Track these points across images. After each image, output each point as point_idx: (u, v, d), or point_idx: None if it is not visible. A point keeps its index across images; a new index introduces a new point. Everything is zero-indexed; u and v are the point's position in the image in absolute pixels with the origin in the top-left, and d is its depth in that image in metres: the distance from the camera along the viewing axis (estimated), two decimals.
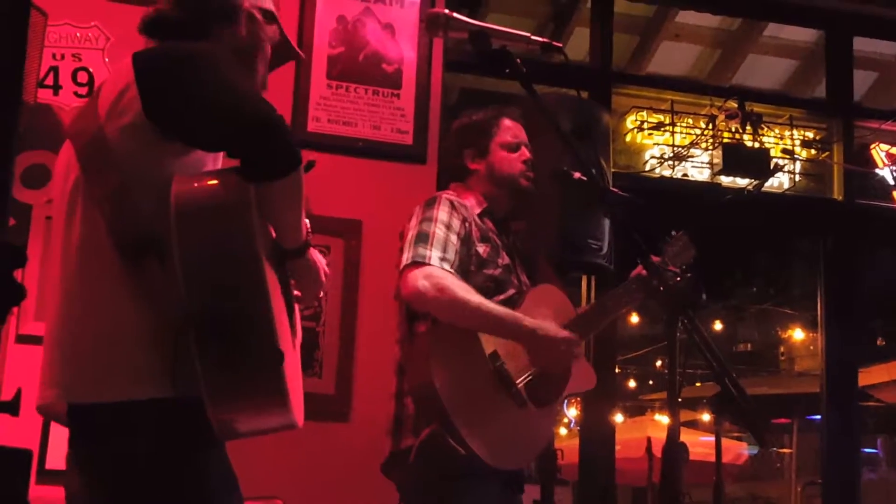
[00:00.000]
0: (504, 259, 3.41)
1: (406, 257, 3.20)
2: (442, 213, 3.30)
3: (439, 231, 3.24)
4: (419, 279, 3.14)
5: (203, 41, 2.34)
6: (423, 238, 3.22)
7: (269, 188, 2.13)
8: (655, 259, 3.14)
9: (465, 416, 3.08)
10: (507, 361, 3.23)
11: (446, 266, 3.17)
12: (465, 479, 3.13)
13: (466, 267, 3.28)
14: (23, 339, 4.08)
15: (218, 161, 2.30)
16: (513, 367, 3.24)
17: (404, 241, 3.28)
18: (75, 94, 4.39)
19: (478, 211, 3.45)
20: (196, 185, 2.10)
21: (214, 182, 2.10)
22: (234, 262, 2.04)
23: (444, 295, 3.13)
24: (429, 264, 3.15)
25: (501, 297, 3.32)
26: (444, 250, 3.20)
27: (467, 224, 3.33)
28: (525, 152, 3.52)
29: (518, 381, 3.24)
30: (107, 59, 4.43)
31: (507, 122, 3.54)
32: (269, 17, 2.51)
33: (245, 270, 2.03)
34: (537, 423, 3.33)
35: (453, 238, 3.25)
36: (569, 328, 3.35)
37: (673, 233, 3.76)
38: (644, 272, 3.46)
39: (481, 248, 3.34)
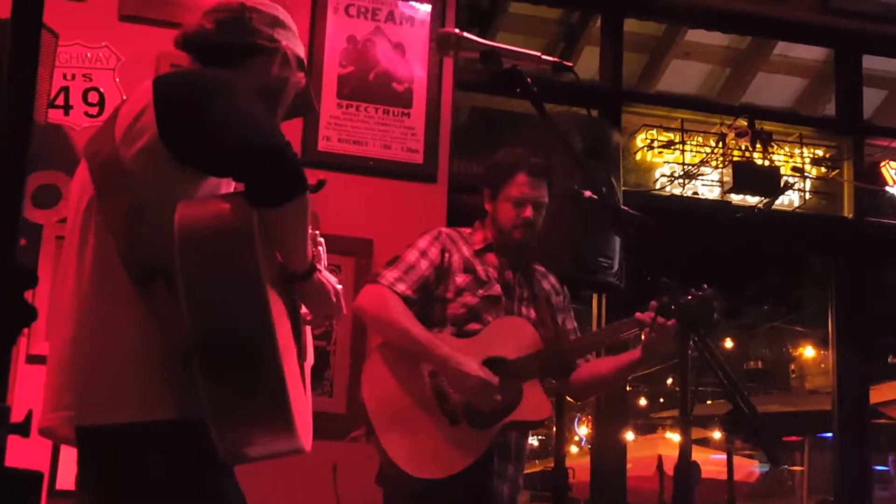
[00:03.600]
0: (488, 291, 3.52)
1: (371, 274, 3.54)
2: (423, 241, 3.56)
3: (411, 256, 3.50)
4: (364, 294, 3.46)
5: (233, 69, 2.35)
6: (394, 260, 3.50)
7: (274, 213, 2.13)
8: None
9: (386, 425, 3.33)
10: None
11: (401, 286, 3.42)
12: (425, 499, 3.32)
13: (443, 294, 3.50)
14: (33, 360, 4.08)
15: (231, 187, 2.30)
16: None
17: None
18: (86, 114, 4.40)
19: (479, 246, 3.61)
20: (200, 209, 2.09)
21: (218, 206, 2.10)
22: (236, 287, 2.03)
23: (379, 313, 3.42)
24: (380, 283, 3.43)
25: (476, 325, 3.48)
26: (406, 272, 3.46)
27: (447, 254, 3.54)
28: (527, 210, 3.54)
29: (452, 398, 3.38)
30: (117, 80, 4.45)
31: (522, 176, 3.55)
32: (300, 64, 2.54)
33: (248, 296, 2.03)
34: (470, 441, 3.38)
35: (423, 264, 3.49)
36: (512, 365, 3.45)
37: (704, 286, 3.51)
38: (642, 317, 3.40)
39: (459, 279, 3.52)
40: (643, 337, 3.43)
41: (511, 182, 3.56)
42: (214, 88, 2.21)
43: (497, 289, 3.54)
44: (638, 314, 3.42)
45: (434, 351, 3.36)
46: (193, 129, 2.15)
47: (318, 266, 2.42)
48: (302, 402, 2.24)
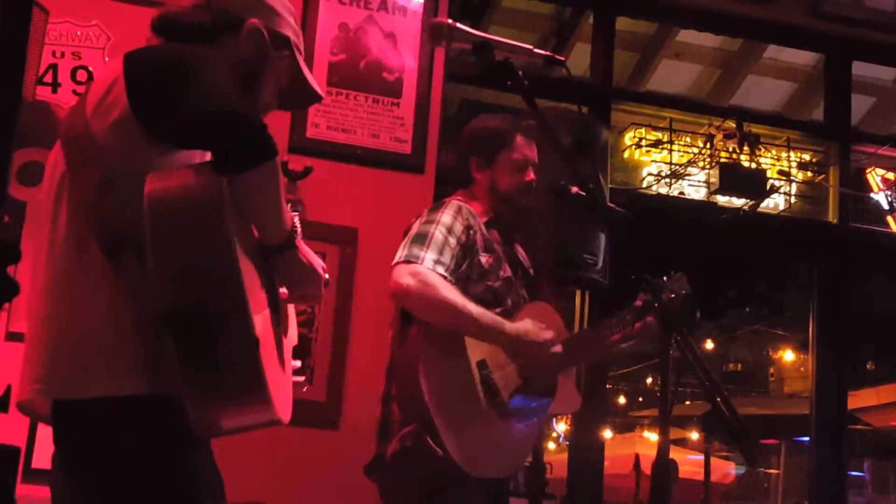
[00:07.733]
0: (506, 272, 3.37)
1: (399, 255, 3.17)
2: (446, 216, 3.25)
3: (439, 234, 3.19)
4: (404, 275, 3.10)
5: (208, 46, 2.35)
6: (421, 239, 3.18)
7: (243, 182, 2.11)
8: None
9: (446, 418, 3.05)
10: (493, 371, 3.21)
11: (440, 269, 3.12)
12: (447, 487, 3.10)
13: (467, 275, 3.24)
14: (12, 337, 4.06)
15: (205, 160, 2.28)
16: (499, 377, 3.22)
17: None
18: (74, 92, 4.38)
19: (484, 220, 3.40)
20: (169, 180, 2.08)
21: (187, 177, 2.09)
22: (207, 258, 2.02)
23: (428, 292, 3.08)
24: (419, 265, 3.11)
25: (499, 309, 3.26)
26: (440, 253, 3.16)
27: (472, 231, 3.28)
28: (530, 173, 3.45)
29: (503, 392, 3.21)
30: (107, 59, 4.43)
31: (520, 139, 3.46)
32: (281, 42, 2.47)
33: (218, 266, 2.01)
34: (518, 437, 3.30)
35: (452, 241, 3.20)
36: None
37: (672, 272, 3.66)
38: (641, 304, 3.42)
39: (484, 259, 3.30)
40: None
41: (510, 145, 3.44)
42: (182, 62, 2.19)
43: (508, 269, 3.39)
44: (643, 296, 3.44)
45: (503, 328, 3.16)
46: (161, 104, 2.14)
47: (299, 243, 2.39)
48: (279, 374, 2.23)
